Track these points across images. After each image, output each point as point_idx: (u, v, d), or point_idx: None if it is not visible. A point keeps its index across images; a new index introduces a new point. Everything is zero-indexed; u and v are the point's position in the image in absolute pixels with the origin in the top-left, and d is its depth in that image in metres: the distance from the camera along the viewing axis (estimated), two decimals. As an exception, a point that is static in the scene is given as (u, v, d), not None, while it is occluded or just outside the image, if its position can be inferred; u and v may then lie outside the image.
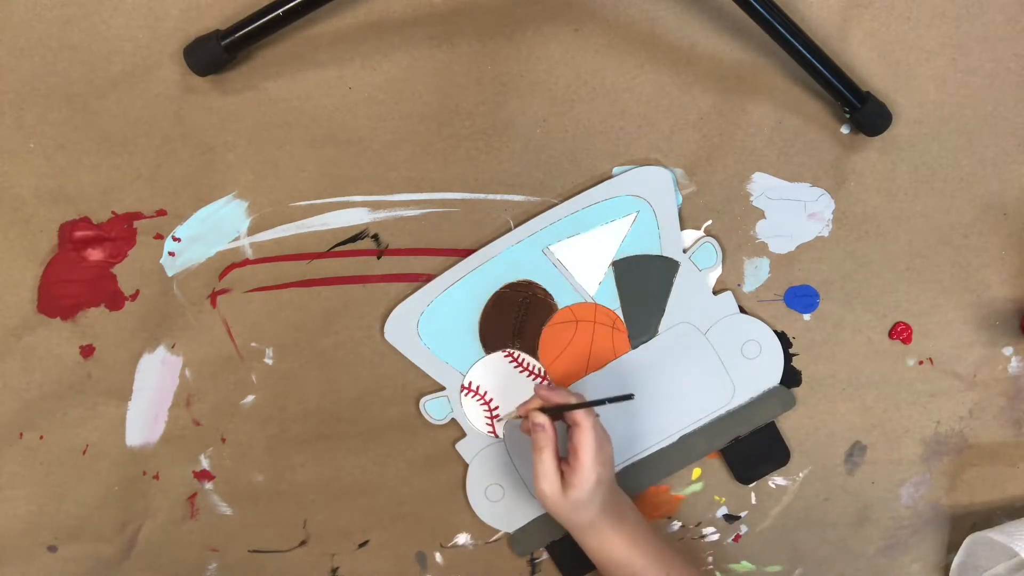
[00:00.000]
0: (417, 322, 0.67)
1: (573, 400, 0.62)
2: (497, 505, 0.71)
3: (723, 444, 0.72)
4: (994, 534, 0.70)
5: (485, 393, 0.69)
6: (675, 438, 0.71)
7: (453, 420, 0.70)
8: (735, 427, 0.71)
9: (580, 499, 0.60)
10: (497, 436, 0.70)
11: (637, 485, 0.72)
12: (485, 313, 0.68)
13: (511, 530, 0.72)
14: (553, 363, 0.69)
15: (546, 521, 0.71)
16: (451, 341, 0.68)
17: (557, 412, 0.62)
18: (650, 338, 0.69)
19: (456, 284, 0.67)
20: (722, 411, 0.71)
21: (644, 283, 0.68)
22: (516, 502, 0.71)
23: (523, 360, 0.69)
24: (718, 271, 0.69)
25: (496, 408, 0.69)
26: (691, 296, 0.69)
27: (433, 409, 0.69)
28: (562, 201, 0.67)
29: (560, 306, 0.68)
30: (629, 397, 0.60)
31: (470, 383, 0.69)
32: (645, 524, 0.65)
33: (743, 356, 0.70)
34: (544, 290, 0.68)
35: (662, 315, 0.69)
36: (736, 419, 0.71)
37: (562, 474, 0.61)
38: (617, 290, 0.68)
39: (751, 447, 0.72)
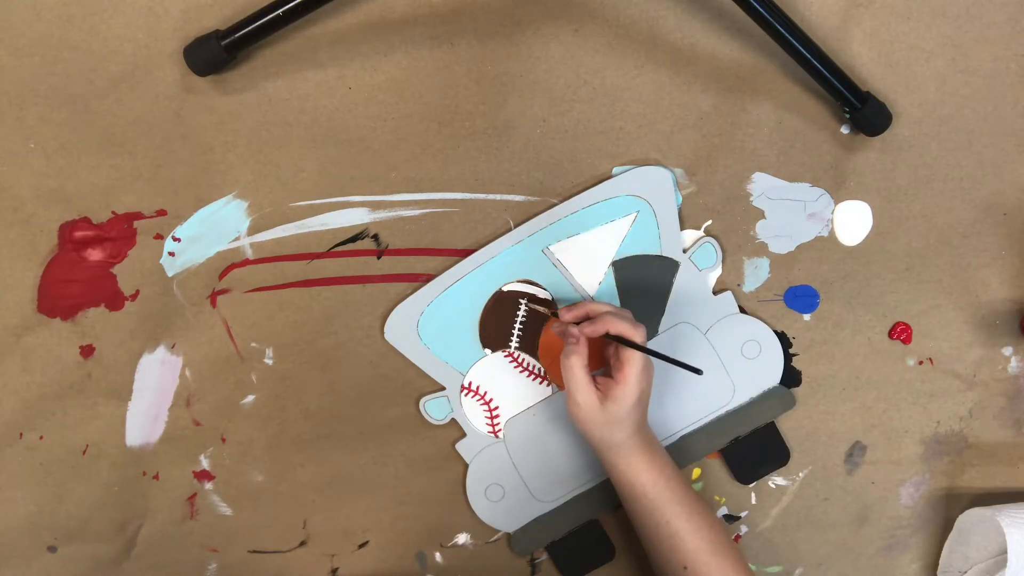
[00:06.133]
0: (417, 322, 0.67)
1: (635, 337, 0.60)
2: (497, 505, 0.71)
3: (723, 444, 0.72)
4: (982, 510, 0.71)
5: (485, 393, 0.69)
6: (675, 438, 0.71)
7: (453, 420, 0.70)
8: (735, 427, 0.71)
9: (618, 414, 0.60)
10: (497, 436, 0.70)
11: None
12: (485, 313, 0.68)
13: (511, 530, 0.72)
14: (553, 363, 0.69)
15: (546, 521, 0.71)
16: (451, 341, 0.68)
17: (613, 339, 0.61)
18: (650, 338, 0.69)
19: (456, 284, 0.67)
20: (722, 411, 0.71)
21: (644, 283, 0.68)
22: (516, 502, 0.71)
23: (523, 360, 0.69)
24: (718, 271, 0.69)
25: (496, 408, 0.69)
26: (691, 296, 0.69)
27: (433, 409, 0.69)
28: (562, 201, 0.67)
29: (560, 306, 0.68)
30: (698, 371, 0.59)
31: (470, 383, 0.69)
32: (674, 464, 0.65)
33: (743, 356, 0.70)
34: (544, 290, 0.68)
35: (662, 315, 0.69)
36: (736, 419, 0.71)
37: (600, 390, 0.61)
38: (617, 290, 0.68)
39: (751, 447, 0.72)
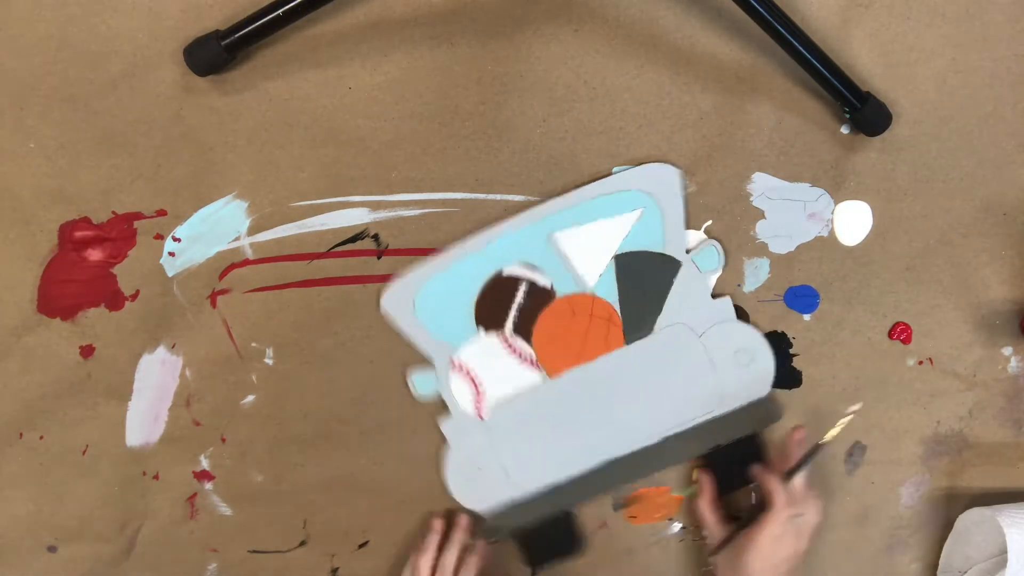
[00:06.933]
0: (415, 296, 0.67)
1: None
2: (472, 485, 0.70)
3: (705, 450, 0.71)
4: (982, 510, 0.71)
5: (474, 374, 0.69)
6: (658, 439, 0.71)
7: (440, 398, 0.69)
8: (719, 434, 0.71)
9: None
10: (481, 418, 0.69)
11: (616, 482, 0.72)
12: (483, 294, 0.67)
13: (483, 510, 0.71)
14: (545, 350, 0.69)
15: (519, 507, 0.71)
16: (446, 318, 0.67)
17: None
18: (644, 335, 0.69)
19: (457, 262, 0.66)
20: (708, 417, 0.71)
21: (644, 280, 0.68)
22: (492, 484, 0.70)
23: (516, 345, 0.68)
24: (719, 275, 0.69)
25: (483, 389, 0.69)
26: (690, 298, 0.69)
27: (419, 383, 0.69)
28: (571, 190, 0.66)
29: (559, 294, 0.68)
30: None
31: (460, 362, 0.69)
32: None
33: (735, 363, 0.70)
34: (545, 276, 0.67)
35: (659, 314, 0.69)
36: (721, 426, 0.71)
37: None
38: (617, 284, 0.68)
39: (733, 456, 0.71)
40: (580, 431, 0.70)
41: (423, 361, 0.69)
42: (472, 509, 0.71)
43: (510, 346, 0.69)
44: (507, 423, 0.70)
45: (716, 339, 0.69)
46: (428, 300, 0.67)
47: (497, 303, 0.68)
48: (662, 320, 0.69)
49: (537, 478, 0.71)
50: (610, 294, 0.68)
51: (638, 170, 0.66)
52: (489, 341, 0.68)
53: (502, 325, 0.68)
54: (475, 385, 0.69)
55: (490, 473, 0.71)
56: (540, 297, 0.68)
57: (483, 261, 0.67)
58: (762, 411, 0.71)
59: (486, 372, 0.69)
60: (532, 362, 0.69)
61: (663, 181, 0.66)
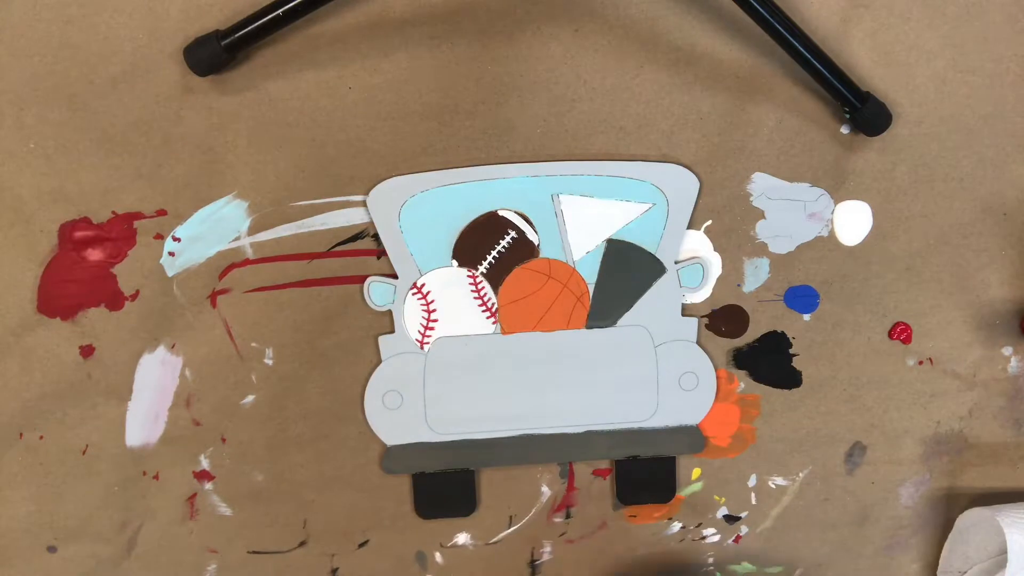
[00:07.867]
0: (404, 202, 0.66)
1: None
2: (389, 414, 0.69)
3: (621, 456, 0.71)
4: (982, 510, 0.71)
5: (432, 302, 0.67)
6: (580, 429, 0.70)
7: (389, 313, 0.68)
8: (640, 446, 0.71)
9: None
10: (423, 348, 0.68)
11: (525, 458, 0.71)
12: (470, 227, 0.66)
13: (390, 443, 0.70)
14: (508, 305, 0.68)
15: (426, 450, 0.70)
16: (426, 236, 0.66)
17: None
18: (607, 326, 0.69)
19: (457, 185, 0.66)
20: (635, 425, 0.70)
21: (626, 272, 0.68)
22: (407, 419, 0.69)
23: (483, 288, 0.67)
24: (697, 294, 0.69)
25: (435, 321, 0.68)
26: (661, 306, 0.68)
27: (376, 292, 0.67)
28: (597, 160, 0.66)
29: (542, 254, 0.67)
30: None
31: (422, 285, 0.67)
32: None
33: (679, 384, 0.70)
34: (534, 231, 0.67)
35: (627, 310, 0.68)
36: (644, 439, 0.71)
37: None
38: (599, 266, 0.67)
39: (643, 471, 0.71)
40: (511, 397, 0.69)
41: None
42: (383, 439, 0.70)
43: (477, 288, 0.67)
44: (445, 362, 0.68)
45: (670, 355, 0.69)
46: (415, 211, 0.65)
47: (480, 241, 0.66)
48: (628, 317, 0.69)
49: (453, 428, 0.69)
50: (590, 274, 0.67)
51: (660, 166, 0.66)
52: (458, 275, 0.67)
53: (477, 264, 0.67)
54: (428, 313, 0.68)
55: (410, 407, 0.69)
56: (523, 250, 0.67)
57: (482, 195, 0.66)
58: (688, 438, 0.71)
59: (443, 304, 0.67)
60: (492, 311, 0.68)
61: (681, 187, 0.66)
